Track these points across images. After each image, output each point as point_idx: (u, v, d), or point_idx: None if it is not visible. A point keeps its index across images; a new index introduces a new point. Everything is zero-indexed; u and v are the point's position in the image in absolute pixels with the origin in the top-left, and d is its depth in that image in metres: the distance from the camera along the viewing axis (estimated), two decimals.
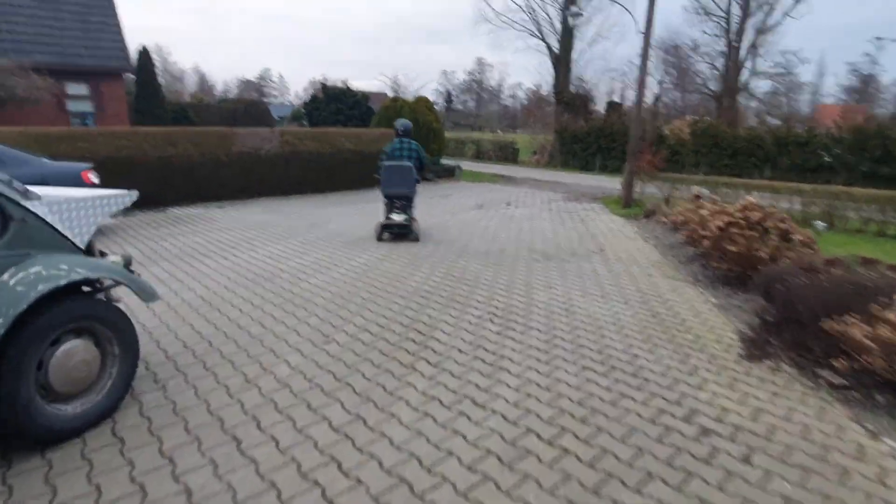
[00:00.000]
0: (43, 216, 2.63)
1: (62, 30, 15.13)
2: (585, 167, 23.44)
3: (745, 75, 41.15)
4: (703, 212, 6.62)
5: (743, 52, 40.03)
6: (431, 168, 16.50)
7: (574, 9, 13.43)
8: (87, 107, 15.76)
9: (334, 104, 23.11)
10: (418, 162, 7.50)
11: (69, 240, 2.77)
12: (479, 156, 27.94)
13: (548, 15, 25.19)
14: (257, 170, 12.11)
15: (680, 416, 2.94)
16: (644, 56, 10.68)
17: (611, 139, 22.35)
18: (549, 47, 25.74)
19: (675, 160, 20.30)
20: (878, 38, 54.15)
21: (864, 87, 53.21)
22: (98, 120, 15.81)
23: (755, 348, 3.84)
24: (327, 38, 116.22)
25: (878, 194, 9.04)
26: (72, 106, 15.45)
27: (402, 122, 7.71)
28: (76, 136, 9.59)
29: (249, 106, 30.13)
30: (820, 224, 5.75)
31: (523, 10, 25.14)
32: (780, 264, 5.03)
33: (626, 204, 11.43)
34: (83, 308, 2.66)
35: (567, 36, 25.04)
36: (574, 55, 25.71)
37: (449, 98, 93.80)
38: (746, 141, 18.38)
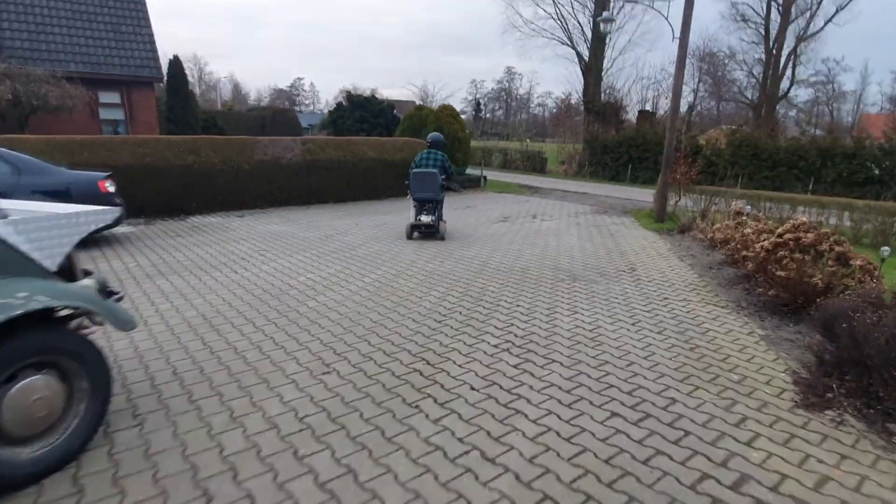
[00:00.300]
0: (4, 237, 2.37)
1: (96, 39, 15.44)
2: (615, 178, 22.78)
3: (784, 84, 39.77)
4: (747, 230, 6.07)
5: (782, 60, 38.73)
6: (456, 178, 16.19)
7: (606, 14, 12.94)
8: (118, 115, 16.05)
9: (359, 112, 23.07)
10: (443, 171, 8.46)
11: (36, 262, 2.50)
12: (507, 165, 27.53)
13: (578, 23, 24.75)
14: (278, 178, 11.98)
15: (728, 482, 2.48)
16: (680, 64, 10.14)
17: (642, 149, 21.65)
18: (578, 55, 25.25)
19: (711, 171, 19.49)
20: None
21: None
22: (129, 128, 16.08)
23: (813, 394, 3.33)
24: (358, 47, 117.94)
25: None
26: (104, 114, 15.75)
27: (432, 135, 8.97)
28: (99, 144, 9.61)
29: (278, 114, 30.46)
30: (885, 251, 5.14)
31: (553, 18, 24.82)
32: (836, 293, 4.49)
33: (660, 218, 10.85)
34: (44, 340, 2.38)
35: (597, 44, 24.49)
36: (605, 63, 25.10)
37: (478, 107, 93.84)
38: (788, 152, 17.49)
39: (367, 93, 25.00)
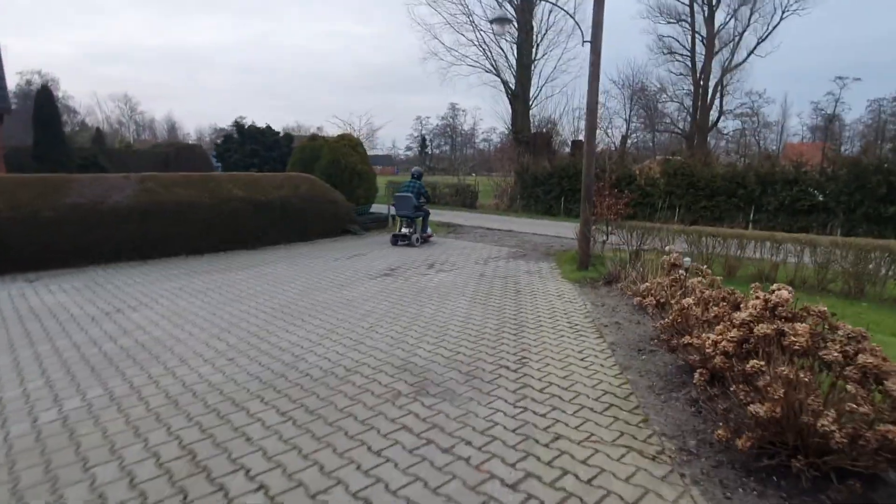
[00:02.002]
0: None
1: None
2: (549, 211, 20.96)
3: (713, 115, 40.24)
4: (687, 300, 3.79)
5: (710, 91, 39.22)
6: (356, 220, 13.70)
7: (500, 13, 11.09)
8: None
9: (250, 145, 20.40)
10: (419, 195, 11.21)
11: None
12: (436, 200, 25.38)
13: (501, 49, 23.28)
14: (99, 227, 9.10)
15: None
16: (594, 71, 8.17)
17: (575, 180, 19.91)
18: (504, 83, 23.73)
19: (648, 203, 17.89)
20: (840, 78, 54.46)
21: (829, 125, 53.13)
22: None
23: None
24: (305, 88, 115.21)
25: None
26: None
27: (415, 169, 12.06)
28: None
29: (183, 150, 27.29)
30: None
31: (475, 45, 23.33)
32: (869, 450, 2.15)
33: (583, 264, 8.66)
34: None
35: (522, 71, 23.08)
36: (532, 91, 23.69)
37: (423, 142, 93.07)
38: (725, 180, 16.06)
39: (312, 129, 22.61)
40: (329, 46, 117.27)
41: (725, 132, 47.88)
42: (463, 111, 78.41)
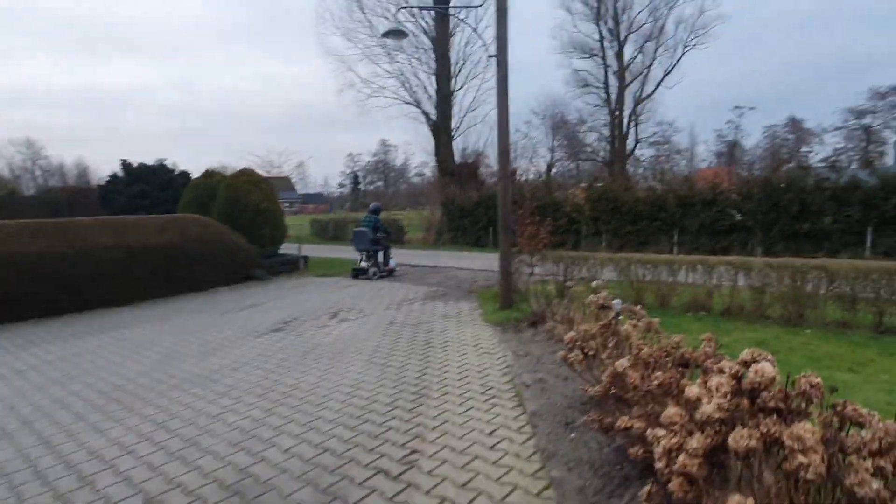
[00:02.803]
0: None
1: None
2: (477, 243, 20.20)
3: (630, 143, 41.98)
4: (622, 363, 2.81)
5: (625, 121, 40.99)
6: (262, 263, 12.18)
7: (394, 28, 10.32)
8: None
9: (138, 186, 18.33)
10: (375, 230, 11.55)
11: None
12: None
13: (420, 80, 22.78)
14: None
15: None
16: (501, 86, 7.42)
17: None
18: (425, 115, 23.15)
19: (574, 229, 17.53)
20: (737, 107, 59.08)
21: (731, 151, 57.18)
22: None
23: None
24: (233, 130, 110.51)
25: (874, 266, 5.84)
26: None
27: (373, 205, 12.30)
28: None
29: (77, 194, 24.44)
30: None
31: (393, 77, 22.71)
32: None
33: (506, 302, 7.69)
34: None
35: (443, 102, 22.62)
36: (454, 122, 23.26)
37: (356, 180, 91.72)
38: (648, 204, 15.95)
39: (232, 169, 20.48)
40: (257, 87, 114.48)
41: (642, 159, 50.18)
42: (394, 147, 77.97)
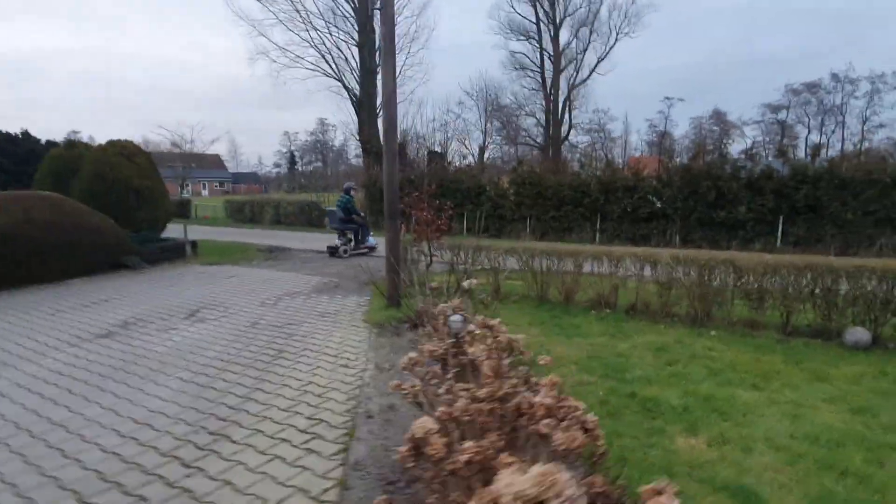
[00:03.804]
0: None
1: None
2: None
3: (565, 128, 42.03)
4: (422, 423, 1.86)
5: (560, 106, 40.91)
6: (137, 250, 10.58)
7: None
8: None
9: None
10: (346, 210, 11.78)
11: None
12: (280, 221, 22.40)
13: (341, 51, 21.16)
14: None
15: None
16: (387, 46, 6.33)
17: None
18: (347, 89, 21.60)
19: (498, 215, 16.83)
20: (667, 98, 60.88)
21: (661, 139, 58.97)
22: None
23: None
24: (160, 103, 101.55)
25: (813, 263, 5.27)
26: None
27: (346, 185, 12.84)
28: None
29: None
30: None
31: (313, 46, 20.90)
32: None
33: (392, 300, 6.71)
34: None
35: (367, 76, 21.16)
36: (379, 99, 21.86)
37: (292, 159, 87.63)
38: (572, 189, 15.44)
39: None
40: (187, 58, 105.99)
41: (578, 146, 50.64)
42: (333, 126, 74.53)
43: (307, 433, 3.25)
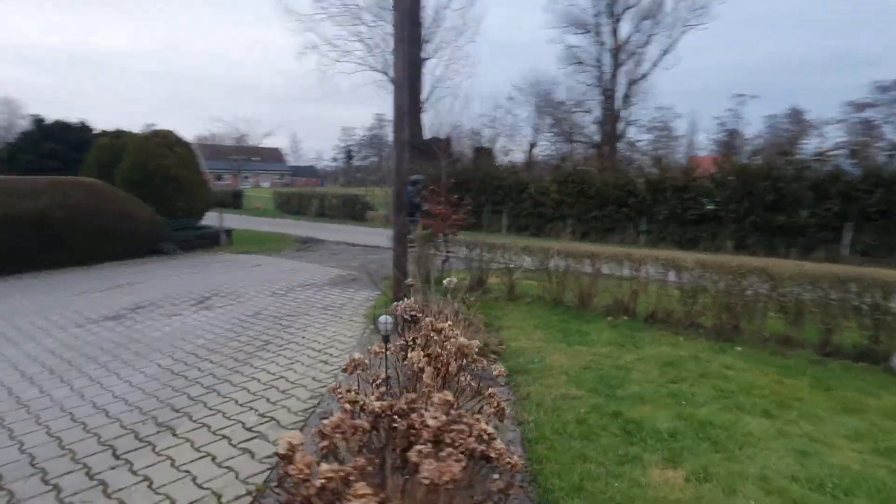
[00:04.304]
0: None
1: None
2: None
3: (622, 126, 40.36)
4: (290, 436, 1.59)
5: (618, 103, 39.31)
6: (172, 237, 10.97)
7: None
8: None
9: (50, 144, 16.74)
10: (410, 204, 8.89)
11: None
12: (324, 213, 22.78)
13: (388, 45, 21.11)
14: None
15: None
16: (399, 33, 6.10)
17: (463, 189, 18.04)
18: (392, 82, 21.56)
19: (538, 213, 16.28)
20: (739, 95, 57.26)
21: (731, 139, 55.53)
22: None
23: None
24: (225, 98, 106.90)
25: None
26: None
27: (413, 177, 11.89)
28: None
29: None
30: None
31: (360, 41, 21.03)
32: None
33: (397, 295, 6.48)
34: None
35: (413, 70, 21.03)
36: (424, 94, 21.79)
37: (349, 154, 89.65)
38: (617, 188, 14.66)
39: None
40: (249, 55, 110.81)
41: (639, 143, 48.57)
42: (390, 121, 75.47)
43: (252, 431, 3.07)
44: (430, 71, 22.40)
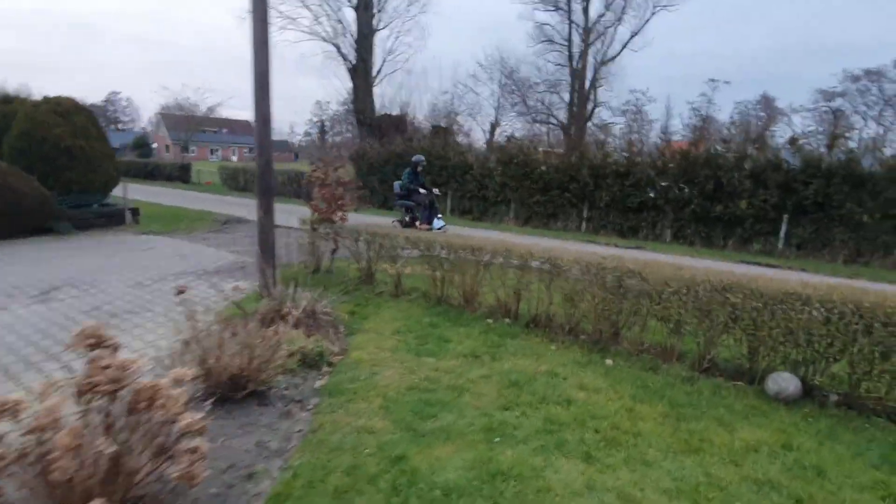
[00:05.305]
0: None
1: None
2: (385, 203, 18.17)
3: (592, 108, 39.73)
4: None
5: (587, 83, 38.61)
6: (67, 215, 10.02)
7: None
8: None
9: None
10: (400, 187, 10.19)
11: None
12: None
13: (335, 13, 19.94)
14: None
15: None
16: (257, 2, 5.27)
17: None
18: (342, 55, 20.47)
19: (481, 195, 15.65)
20: (712, 80, 57.07)
21: (704, 124, 55.48)
22: None
23: None
24: (205, 68, 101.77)
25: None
26: None
27: (414, 157, 10.55)
28: None
29: None
30: None
31: (307, 7, 19.69)
32: None
33: (265, 290, 5.79)
34: None
35: (363, 41, 19.96)
36: (375, 66, 20.74)
37: (322, 128, 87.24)
38: (560, 172, 14.08)
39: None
40: (233, 23, 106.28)
41: (608, 127, 48.02)
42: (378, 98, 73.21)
43: None
44: (381, 44, 21.31)
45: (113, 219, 11.00)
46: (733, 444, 2.97)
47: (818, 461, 2.83)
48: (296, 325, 4.68)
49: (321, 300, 5.34)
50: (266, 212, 5.72)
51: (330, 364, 4.08)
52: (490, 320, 5.24)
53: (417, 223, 10.02)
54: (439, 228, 9.96)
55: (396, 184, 10.46)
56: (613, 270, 4.34)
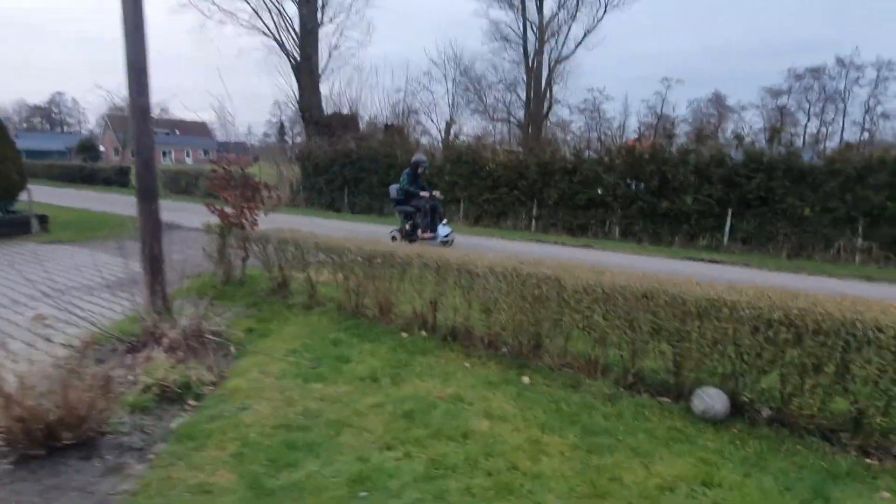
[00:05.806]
0: None
1: None
2: (332, 205, 17.46)
3: (548, 106, 39.80)
4: None
5: (543, 81, 38.64)
6: None
7: None
8: None
9: None
10: (397, 191, 9.30)
11: None
12: (212, 193, 20.65)
13: (277, 8, 19.06)
14: None
15: None
16: None
17: (359, 167, 16.63)
18: (285, 51, 19.59)
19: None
20: (666, 79, 58.14)
21: (659, 122, 56.54)
22: None
23: None
24: (159, 67, 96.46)
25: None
26: None
27: (414, 157, 9.64)
28: None
29: None
30: None
31: (245, 0, 18.73)
32: None
33: (154, 305, 5.09)
34: None
35: (307, 37, 19.15)
36: (322, 63, 19.95)
37: (282, 129, 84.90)
38: (508, 169, 13.69)
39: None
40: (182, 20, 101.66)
41: (565, 125, 48.23)
42: (325, 96, 71.46)
43: None
44: (326, 39, 20.51)
45: (17, 227, 9.98)
46: (647, 484, 2.53)
47: (741, 501, 2.41)
48: (172, 349, 4.04)
49: (215, 317, 4.73)
50: (147, 217, 5.01)
51: (199, 397, 3.46)
52: (405, 333, 4.71)
53: (419, 231, 9.14)
54: (445, 237, 9.01)
55: (393, 187, 9.52)
56: (529, 277, 3.87)
